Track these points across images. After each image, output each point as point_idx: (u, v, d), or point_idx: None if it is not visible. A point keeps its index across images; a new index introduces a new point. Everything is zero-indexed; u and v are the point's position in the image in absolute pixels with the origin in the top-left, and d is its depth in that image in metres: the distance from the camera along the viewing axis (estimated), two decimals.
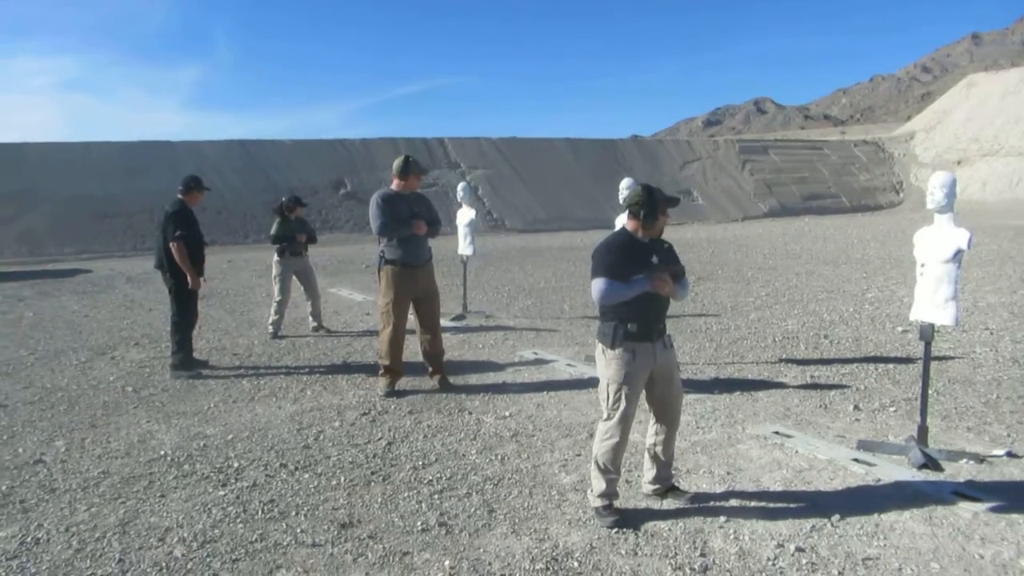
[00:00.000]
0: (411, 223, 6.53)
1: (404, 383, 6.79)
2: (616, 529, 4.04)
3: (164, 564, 3.78)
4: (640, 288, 3.98)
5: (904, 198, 35.20)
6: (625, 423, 4.10)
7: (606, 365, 4.11)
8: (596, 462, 4.16)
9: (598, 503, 4.17)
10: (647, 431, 4.45)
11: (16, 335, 9.59)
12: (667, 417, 4.31)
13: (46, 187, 21.87)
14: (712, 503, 4.35)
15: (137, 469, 5.04)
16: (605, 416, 4.16)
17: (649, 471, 4.45)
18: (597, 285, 4.00)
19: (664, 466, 4.41)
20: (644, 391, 4.23)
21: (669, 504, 4.35)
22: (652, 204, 4.10)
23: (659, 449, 4.36)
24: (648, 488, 4.46)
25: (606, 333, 4.10)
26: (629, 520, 4.11)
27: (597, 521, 4.12)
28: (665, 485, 4.43)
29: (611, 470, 4.15)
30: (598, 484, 4.17)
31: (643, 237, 4.16)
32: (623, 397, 4.07)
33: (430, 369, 6.92)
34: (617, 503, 4.22)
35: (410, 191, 6.72)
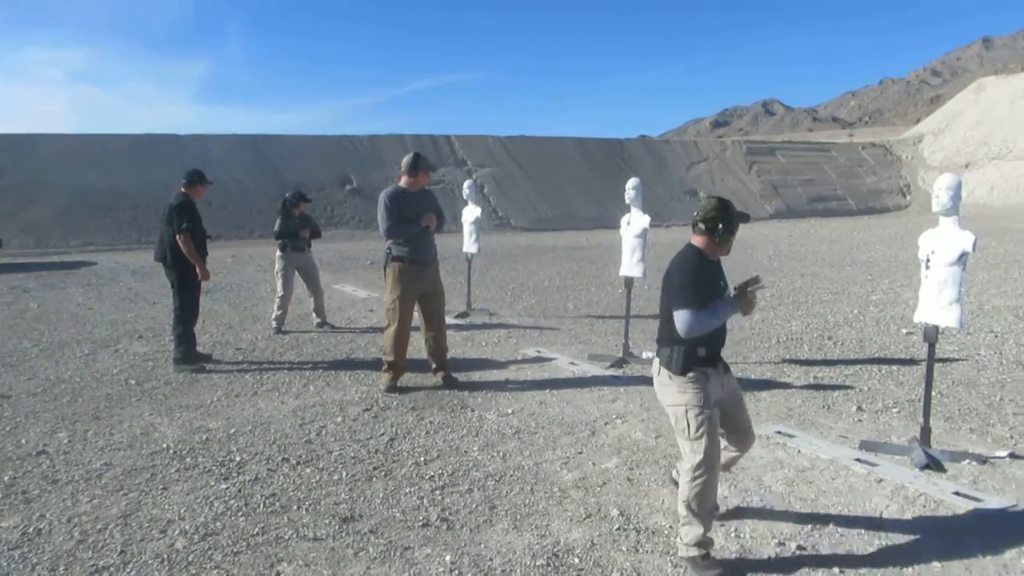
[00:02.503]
0: (420, 219, 6.53)
1: (407, 379, 6.79)
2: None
3: (166, 556, 3.79)
4: (729, 314, 3.65)
5: (911, 201, 35.10)
6: (713, 454, 3.62)
7: (679, 392, 3.66)
8: (688, 506, 3.61)
9: (694, 552, 3.62)
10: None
11: (20, 326, 9.61)
12: (744, 442, 3.99)
13: (52, 179, 21.92)
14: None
15: (139, 461, 5.05)
16: (689, 450, 3.64)
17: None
18: (685, 318, 3.54)
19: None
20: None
21: (722, 543, 3.88)
22: (729, 220, 3.71)
23: (720, 463, 3.87)
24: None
25: (674, 359, 3.67)
26: (736, 572, 3.64)
27: (693, 573, 3.61)
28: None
29: (707, 511, 3.66)
30: (693, 531, 3.63)
31: (711, 256, 3.77)
32: (707, 421, 3.61)
33: (434, 366, 6.89)
34: (714, 552, 3.69)
35: (418, 188, 6.69)
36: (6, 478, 4.76)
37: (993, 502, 4.33)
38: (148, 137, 25.26)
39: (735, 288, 3.72)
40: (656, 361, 3.82)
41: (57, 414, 6.06)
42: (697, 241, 3.77)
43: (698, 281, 3.63)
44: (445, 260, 7.03)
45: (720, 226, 3.69)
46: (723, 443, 3.91)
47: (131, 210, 21.86)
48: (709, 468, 3.60)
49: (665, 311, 3.76)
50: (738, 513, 4.21)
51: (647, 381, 6.86)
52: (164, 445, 5.34)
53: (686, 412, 3.63)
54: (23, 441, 5.44)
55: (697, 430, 3.61)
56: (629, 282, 7.79)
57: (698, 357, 3.66)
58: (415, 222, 6.52)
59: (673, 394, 3.69)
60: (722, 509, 4.20)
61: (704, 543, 3.63)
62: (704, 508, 3.62)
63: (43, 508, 4.33)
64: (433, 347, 6.85)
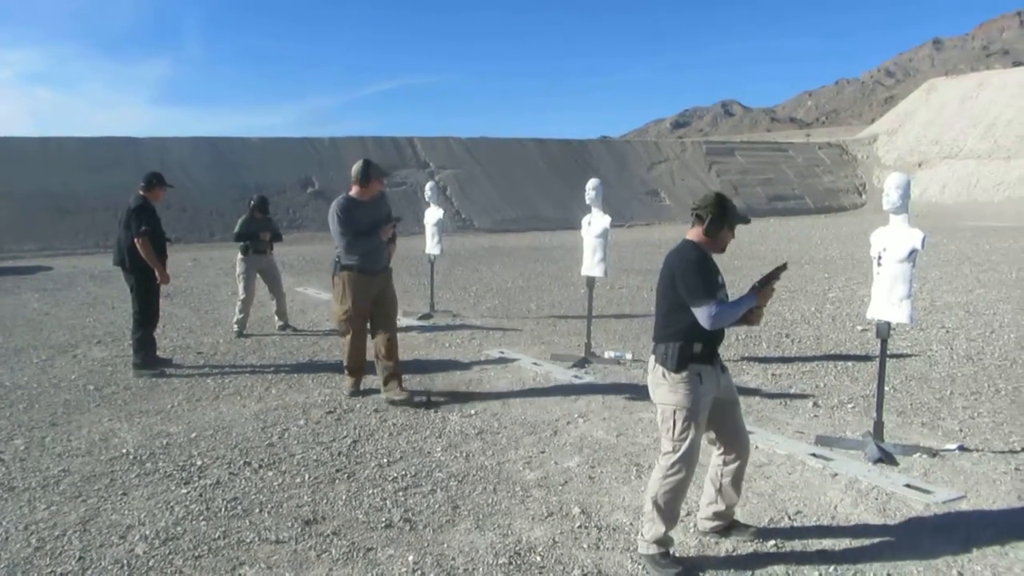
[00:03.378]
0: (376, 230, 6.30)
1: (369, 381, 6.76)
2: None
3: (126, 561, 3.76)
4: (748, 306, 3.66)
5: (867, 200, 35.73)
6: (692, 456, 3.61)
7: (671, 390, 3.63)
8: (656, 503, 3.61)
9: (654, 550, 3.63)
10: (712, 461, 3.95)
11: None
12: (738, 444, 3.87)
13: (5, 182, 21.44)
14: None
15: (98, 467, 4.99)
16: (669, 448, 3.63)
17: (712, 505, 3.93)
18: (707, 311, 3.53)
19: (732, 500, 3.91)
20: (708, 420, 3.75)
21: (683, 538, 3.95)
22: (722, 214, 3.73)
23: (727, 480, 3.86)
24: (707, 525, 3.98)
25: (669, 355, 3.62)
26: (691, 570, 3.64)
27: (652, 572, 3.62)
28: (727, 521, 3.96)
29: (673, 512, 3.66)
30: (656, 528, 3.62)
31: (709, 249, 3.78)
32: (692, 425, 3.60)
33: (384, 376, 6.39)
34: (673, 550, 3.71)
35: (369, 196, 6.41)
36: None
37: (942, 494, 4.46)
38: (105, 140, 24.83)
39: (759, 280, 3.73)
40: (652, 358, 3.78)
41: (13, 421, 5.97)
42: (693, 235, 3.79)
43: (703, 275, 3.63)
44: (408, 261, 7.00)
45: (710, 217, 3.72)
46: (720, 458, 3.90)
47: (88, 214, 21.48)
48: (686, 468, 3.61)
49: (663, 307, 3.75)
50: (697, 509, 4.27)
51: (609, 380, 6.95)
52: (124, 450, 5.29)
53: (674, 412, 3.62)
54: None
55: (682, 432, 3.60)
56: (591, 282, 7.86)
57: (694, 354, 3.63)
58: (373, 234, 6.29)
59: (664, 392, 3.67)
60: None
61: (664, 541, 3.64)
62: (671, 508, 3.64)
63: None
64: (384, 353, 6.38)
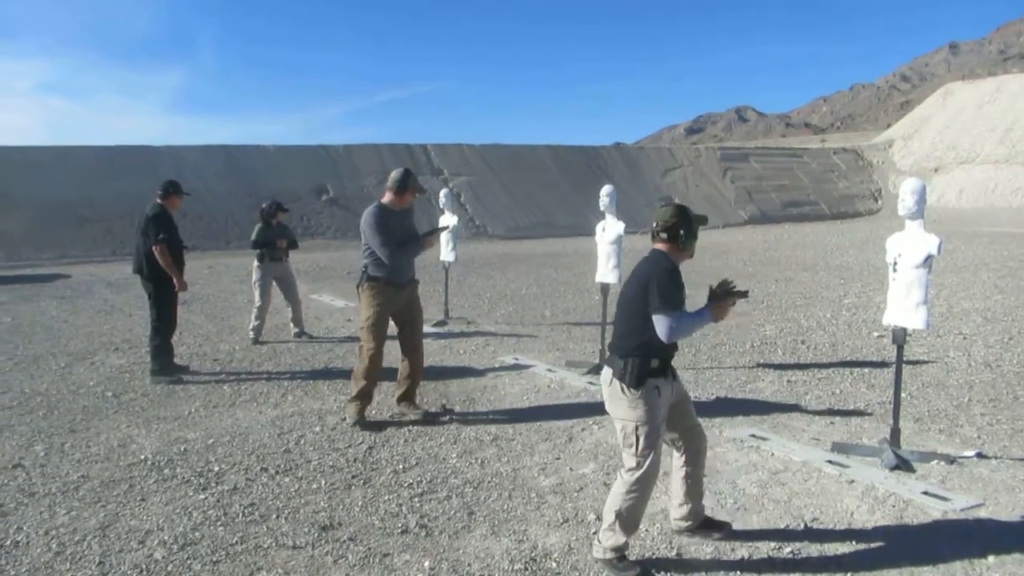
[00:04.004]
0: (421, 241, 6.14)
1: (386, 388, 6.67)
2: None
3: (144, 566, 3.79)
4: (705, 321, 3.65)
5: (883, 205, 35.53)
6: (654, 472, 3.66)
7: (631, 406, 3.65)
8: (619, 515, 3.64)
9: (611, 556, 3.70)
10: (672, 464, 4.03)
11: None
12: (694, 446, 3.95)
13: (23, 191, 21.68)
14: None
15: (117, 473, 5.04)
16: (633, 464, 3.65)
17: (681, 507, 4.01)
18: (668, 323, 3.54)
19: (698, 500, 4.00)
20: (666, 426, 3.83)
21: (655, 521, 4.13)
22: (690, 226, 3.75)
23: (691, 483, 3.95)
24: (680, 525, 4.04)
25: (628, 371, 3.64)
26: (648, 569, 3.72)
27: (610, 574, 3.70)
28: (698, 520, 4.02)
29: (634, 524, 3.72)
30: (615, 538, 3.68)
31: (678, 261, 3.78)
32: (654, 441, 3.65)
33: (401, 392, 6.28)
34: (628, 553, 3.78)
35: (401, 208, 6.13)
36: None
37: (960, 501, 4.43)
38: (121, 149, 25.06)
39: (709, 296, 3.67)
40: (607, 371, 3.80)
41: (33, 427, 6.03)
42: (662, 247, 3.79)
43: (676, 287, 3.64)
44: (423, 269, 6.94)
45: (682, 232, 3.73)
46: (681, 458, 3.96)
47: (105, 222, 21.67)
48: (647, 483, 3.66)
49: (624, 321, 3.77)
50: (713, 515, 4.27)
51: None
52: (142, 456, 5.33)
53: (636, 428, 3.64)
54: None
55: (645, 448, 3.63)
56: (605, 288, 7.86)
57: (652, 369, 3.65)
58: (416, 245, 6.11)
59: (624, 408, 3.69)
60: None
61: (621, 548, 3.70)
62: (632, 519, 3.68)
63: (20, 521, 4.32)
64: (406, 372, 6.25)
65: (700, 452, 3.98)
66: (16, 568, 3.79)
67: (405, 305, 6.17)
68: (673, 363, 3.82)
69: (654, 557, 3.81)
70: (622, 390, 3.67)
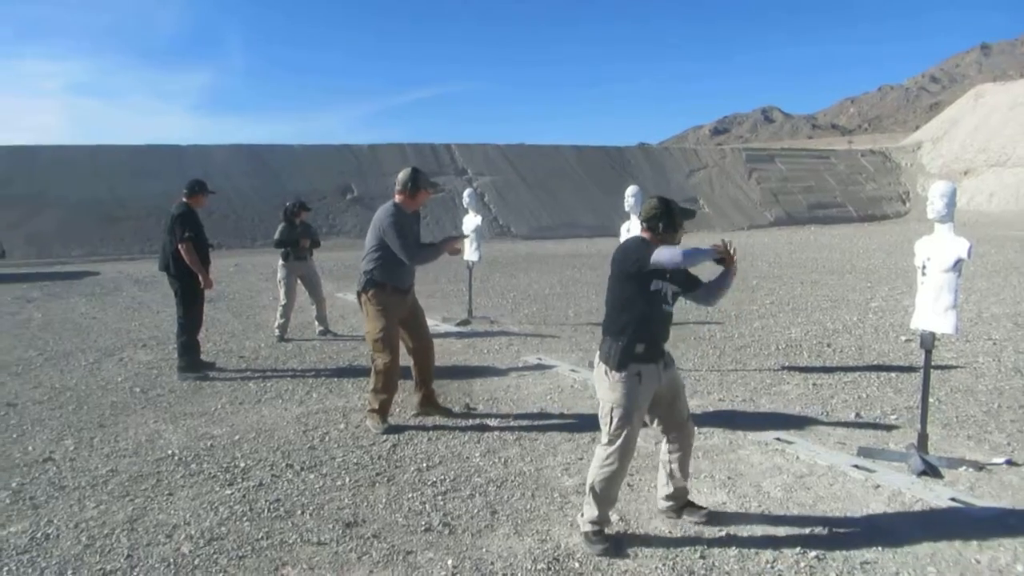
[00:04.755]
0: (440, 246, 5.97)
1: (407, 385, 6.66)
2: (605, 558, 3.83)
3: (172, 560, 3.84)
4: (708, 255, 3.85)
5: (911, 208, 35.17)
6: (627, 450, 3.87)
7: (610, 388, 3.86)
8: (592, 488, 3.90)
9: (588, 528, 3.94)
10: (661, 448, 4.25)
11: (25, 336, 9.68)
12: (680, 434, 4.13)
13: (55, 190, 22.03)
14: (713, 507, 4.39)
15: (145, 468, 5.10)
16: (605, 441, 3.90)
17: (664, 487, 4.23)
18: (671, 251, 3.74)
19: (680, 483, 4.19)
20: (651, 412, 4.04)
21: (680, 524, 4.19)
22: (670, 217, 3.95)
23: (675, 467, 4.16)
24: (663, 505, 4.26)
25: (612, 354, 3.85)
26: (619, 546, 3.93)
27: (585, 548, 3.91)
28: (680, 502, 4.23)
29: (608, 498, 3.93)
30: (591, 511, 3.93)
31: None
32: (627, 423, 3.84)
33: (419, 386, 6.22)
34: (608, 529, 4.01)
35: (412, 209, 5.98)
36: (14, 484, 4.82)
37: (990, 509, 4.37)
38: (149, 148, 25.39)
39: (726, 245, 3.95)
40: (598, 352, 4.00)
41: (63, 421, 6.12)
42: (645, 235, 4.03)
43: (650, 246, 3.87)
44: (446, 268, 6.98)
45: (660, 224, 3.95)
46: (667, 446, 4.18)
47: (134, 220, 21.95)
48: (620, 459, 3.86)
49: (608, 303, 4.01)
50: (737, 518, 4.25)
51: None
52: (169, 452, 5.40)
53: (611, 409, 3.86)
54: (30, 448, 5.50)
55: (617, 429, 3.85)
56: None
57: (636, 354, 3.83)
58: (435, 249, 5.96)
59: (605, 388, 3.90)
60: (722, 514, 4.25)
61: (600, 521, 3.93)
62: (606, 494, 3.90)
63: (51, 514, 4.39)
64: (419, 378, 6.19)
65: (684, 446, 4.17)
66: (47, 560, 3.85)
67: (409, 310, 6.07)
68: (690, 363, 3.85)
69: (677, 557, 3.80)
70: (605, 372, 3.89)
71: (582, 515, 4.00)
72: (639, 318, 3.85)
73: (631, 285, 3.90)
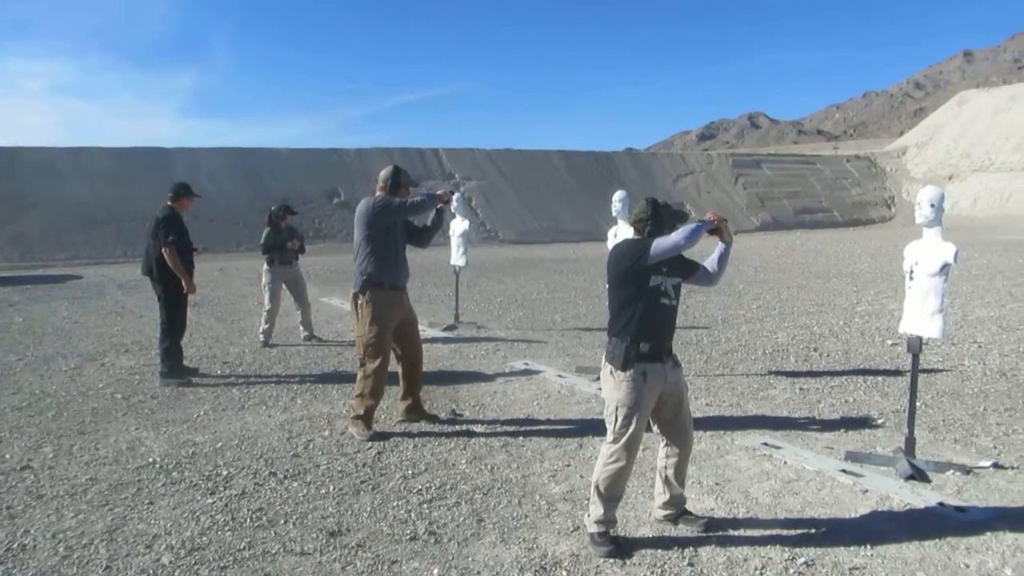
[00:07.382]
0: (441, 194, 5.96)
1: (392, 392, 6.61)
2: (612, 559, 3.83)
3: (151, 571, 3.76)
4: (706, 229, 3.99)
5: (896, 213, 35.39)
6: (632, 448, 3.88)
7: (615, 387, 3.87)
8: (597, 487, 3.91)
9: (595, 529, 3.94)
10: (658, 454, 4.22)
11: (5, 340, 9.55)
12: (679, 439, 4.11)
13: (37, 192, 21.83)
14: (700, 513, 4.35)
15: (125, 476, 5.02)
16: (611, 439, 3.91)
17: (660, 495, 4.21)
18: (670, 238, 3.84)
19: (677, 490, 4.17)
20: (653, 414, 4.01)
21: (679, 531, 4.15)
22: (658, 219, 3.97)
23: (671, 473, 4.13)
24: (659, 513, 4.22)
25: (616, 354, 3.87)
26: (626, 549, 3.92)
27: (591, 549, 3.91)
28: (678, 511, 4.20)
29: (612, 496, 3.93)
30: (596, 510, 3.93)
31: None
32: (632, 422, 3.84)
33: (404, 395, 6.14)
34: (614, 531, 4.00)
35: None
36: None
37: (977, 512, 4.36)
38: (134, 150, 25.21)
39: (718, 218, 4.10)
40: (605, 352, 4.02)
41: (42, 428, 6.02)
42: (636, 236, 4.08)
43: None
44: (433, 273, 6.95)
45: (648, 227, 3.98)
46: (664, 451, 4.16)
47: (117, 223, 21.78)
48: (624, 458, 3.88)
49: (611, 304, 4.04)
50: (726, 524, 4.22)
51: None
52: (150, 459, 5.32)
53: (616, 408, 3.88)
54: (7, 456, 5.40)
55: (621, 427, 3.87)
56: None
57: (640, 353, 3.85)
58: (433, 195, 5.92)
59: (610, 388, 3.92)
60: (711, 519, 4.22)
61: (605, 521, 3.93)
62: (610, 493, 3.92)
63: (27, 523, 4.30)
64: (406, 387, 6.11)
65: (682, 451, 4.14)
66: (23, 571, 3.77)
67: (405, 311, 5.98)
68: (686, 365, 3.84)
69: (665, 564, 3.76)
70: (611, 371, 3.91)
71: (588, 515, 4.01)
72: (642, 317, 3.86)
73: (630, 285, 3.91)
